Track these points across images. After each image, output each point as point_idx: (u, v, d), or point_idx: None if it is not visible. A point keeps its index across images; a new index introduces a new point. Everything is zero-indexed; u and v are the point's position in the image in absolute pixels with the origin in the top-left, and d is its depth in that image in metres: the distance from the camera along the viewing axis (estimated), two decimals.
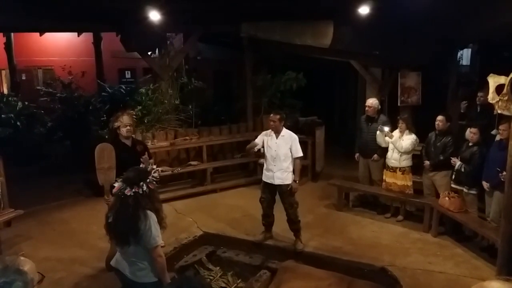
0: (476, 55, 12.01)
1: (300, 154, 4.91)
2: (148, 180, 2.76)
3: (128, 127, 4.34)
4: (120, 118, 4.34)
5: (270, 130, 4.97)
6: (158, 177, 2.87)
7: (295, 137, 4.92)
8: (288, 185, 4.88)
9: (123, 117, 4.34)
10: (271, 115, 4.94)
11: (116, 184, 2.78)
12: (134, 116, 5.07)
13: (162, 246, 2.99)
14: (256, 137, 5.16)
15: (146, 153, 4.49)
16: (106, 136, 6.17)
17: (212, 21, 7.48)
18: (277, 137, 4.89)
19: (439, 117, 5.43)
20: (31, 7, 6.15)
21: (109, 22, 7.30)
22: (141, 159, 4.10)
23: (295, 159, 4.90)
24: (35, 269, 1.71)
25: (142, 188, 2.70)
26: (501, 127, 4.60)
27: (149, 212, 2.73)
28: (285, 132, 4.91)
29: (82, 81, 9.63)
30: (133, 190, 2.68)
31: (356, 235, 5.39)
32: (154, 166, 2.99)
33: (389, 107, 8.02)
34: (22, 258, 1.72)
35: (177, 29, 8.22)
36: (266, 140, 4.98)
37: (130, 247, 2.70)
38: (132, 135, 4.51)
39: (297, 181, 4.91)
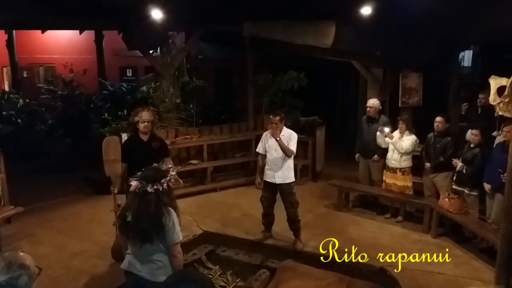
0: (478, 56, 12.02)
1: (293, 150, 4.81)
2: (168, 178, 2.77)
3: (146, 123, 4.34)
4: (139, 113, 4.35)
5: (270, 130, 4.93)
6: (176, 175, 2.87)
7: (294, 135, 4.88)
8: (289, 184, 4.89)
9: (142, 112, 4.36)
10: (271, 117, 4.87)
11: (132, 183, 2.75)
12: (156, 112, 5.05)
13: None
14: (256, 136, 5.13)
15: (164, 150, 4.55)
16: (107, 134, 6.18)
17: (214, 20, 7.46)
18: None
19: (438, 118, 5.42)
20: (33, 4, 6.15)
21: (111, 20, 7.28)
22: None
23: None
24: (33, 262, 1.73)
25: (163, 186, 2.71)
26: (505, 128, 4.58)
27: (170, 208, 2.74)
28: (285, 131, 4.89)
29: (83, 79, 9.66)
30: (155, 187, 2.68)
31: (356, 235, 5.39)
32: (174, 170, 2.97)
33: (390, 107, 8.02)
34: (21, 253, 1.74)
35: (179, 27, 8.21)
36: (266, 140, 4.97)
37: (149, 245, 2.68)
38: (152, 131, 4.51)
39: (278, 139, 4.72)
